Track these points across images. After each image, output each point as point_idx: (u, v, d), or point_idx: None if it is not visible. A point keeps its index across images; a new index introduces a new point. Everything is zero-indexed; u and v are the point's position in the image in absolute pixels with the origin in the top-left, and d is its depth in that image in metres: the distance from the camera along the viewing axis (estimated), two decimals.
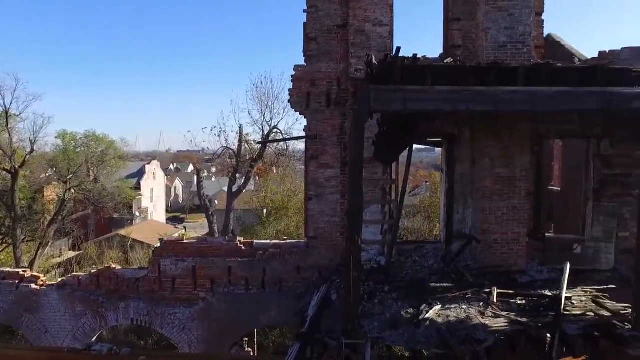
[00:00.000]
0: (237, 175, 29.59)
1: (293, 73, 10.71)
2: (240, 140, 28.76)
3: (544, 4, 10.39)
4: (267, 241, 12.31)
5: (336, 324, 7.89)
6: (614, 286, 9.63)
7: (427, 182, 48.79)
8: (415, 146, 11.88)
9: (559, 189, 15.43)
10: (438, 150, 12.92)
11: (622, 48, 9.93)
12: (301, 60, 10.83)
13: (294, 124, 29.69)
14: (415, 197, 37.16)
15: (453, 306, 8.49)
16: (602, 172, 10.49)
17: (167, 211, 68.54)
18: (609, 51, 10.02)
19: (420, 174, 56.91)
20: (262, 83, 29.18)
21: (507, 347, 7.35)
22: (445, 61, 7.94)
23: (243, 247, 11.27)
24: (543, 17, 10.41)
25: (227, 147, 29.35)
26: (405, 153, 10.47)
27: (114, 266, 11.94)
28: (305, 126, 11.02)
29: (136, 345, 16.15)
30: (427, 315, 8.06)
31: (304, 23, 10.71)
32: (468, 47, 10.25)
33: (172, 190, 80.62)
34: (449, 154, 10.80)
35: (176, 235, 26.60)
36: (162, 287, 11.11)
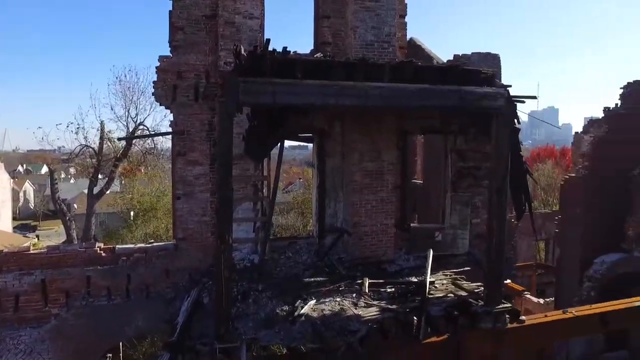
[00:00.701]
0: (99, 176, 27.12)
1: (158, 64, 9.98)
2: (101, 138, 26.34)
3: (406, 8, 11.01)
4: (132, 245, 11.34)
5: (209, 328, 7.50)
6: (468, 268, 10.56)
7: (300, 178, 49.74)
8: (288, 143, 11.87)
9: (421, 182, 16.58)
10: (311, 147, 13.06)
11: (472, 53, 10.94)
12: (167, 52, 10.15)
13: (162, 120, 27.86)
14: (288, 194, 37.63)
15: (327, 300, 8.57)
16: (458, 165, 11.42)
17: (14, 219, 60.52)
18: (462, 55, 10.95)
19: (293, 171, 57.84)
20: (126, 76, 26.96)
21: (380, 334, 7.60)
22: (315, 56, 7.96)
23: (103, 254, 10.22)
24: (406, 20, 11.03)
25: (86, 146, 26.67)
26: (276, 149, 10.38)
27: None
28: (171, 121, 10.34)
29: None
30: (302, 311, 8.02)
31: (170, 11, 10.03)
32: (338, 45, 10.44)
33: (21, 194, 71.68)
34: (320, 149, 10.92)
35: (26, 245, 23.54)
36: (1, 307, 9.56)
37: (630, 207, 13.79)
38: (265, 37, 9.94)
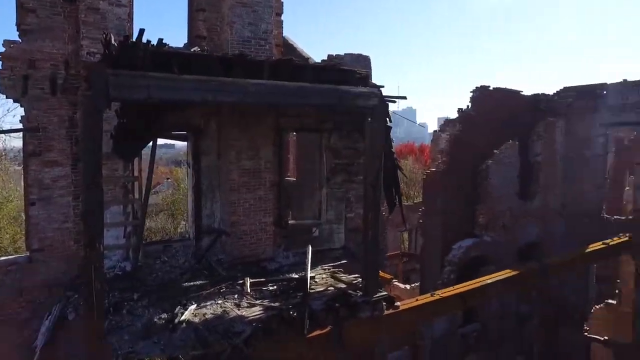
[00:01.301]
0: None
1: (3, 50, 8.68)
2: None
3: (282, 6, 11.04)
4: None
5: (77, 347, 6.79)
6: (345, 261, 11.00)
7: (168, 178, 47.63)
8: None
9: (294, 179, 16.84)
10: (178, 145, 12.49)
11: (345, 53, 11.38)
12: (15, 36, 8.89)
13: (5, 115, 24.33)
14: (157, 195, 35.68)
15: (209, 303, 8.30)
16: (333, 162, 11.81)
17: None
18: (336, 55, 11.33)
19: (161, 171, 54.98)
20: None
21: (265, 333, 7.55)
22: (192, 50, 7.61)
23: None
24: (282, 18, 11.07)
25: None
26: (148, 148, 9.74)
27: None
28: (22, 116, 9.07)
29: None
30: (183, 317, 7.67)
31: None
32: (213, 39, 10.10)
33: None
34: (195, 147, 10.49)
35: None
36: None
37: (479, 197, 15.58)
38: (134, 27, 9.35)
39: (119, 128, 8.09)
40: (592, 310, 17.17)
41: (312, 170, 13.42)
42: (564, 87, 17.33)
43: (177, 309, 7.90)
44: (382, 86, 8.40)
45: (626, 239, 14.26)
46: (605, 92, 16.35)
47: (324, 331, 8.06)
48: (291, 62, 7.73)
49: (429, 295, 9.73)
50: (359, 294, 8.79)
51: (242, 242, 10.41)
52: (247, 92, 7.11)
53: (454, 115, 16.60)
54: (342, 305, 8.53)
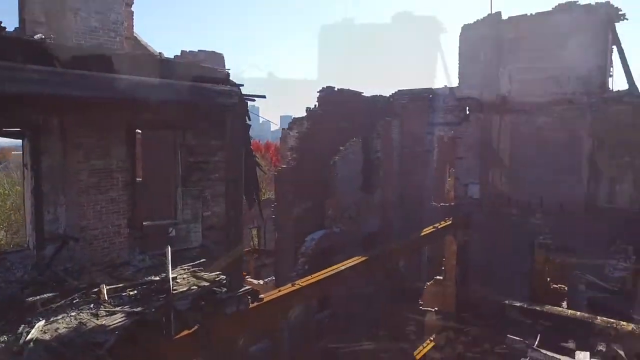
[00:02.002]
0: None
1: None
2: None
3: None
4: None
5: None
6: (204, 259, 10.92)
7: None
8: None
9: (140, 179, 16.06)
10: None
11: (199, 50, 11.24)
12: None
13: None
14: None
15: (60, 317, 7.59)
16: (188, 160, 11.57)
17: None
18: (189, 51, 11.12)
19: None
20: None
21: (130, 340, 7.22)
22: (36, 37, 6.88)
23: None
24: (133, 9, 10.47)
25: None
26: None
27: None
28: None
29: None
30: (30, 336, 6.91)
31: None
32: (52, 27, 9.15)
33: None
34: (34, 146, 9.41)
35: None
36: None
37: (328, 192, 16.65)
38: None
39: None
40: (425, 287, 19.61)
41: (160, 170, 13.00)
42: (398, 90, 19.42)
43: (21, 329, 7.10)
44: (242, 85, 8.59)
45: (450, 222, 16.61)
46: (431, 95, 18.74)
47: (191, 331, 7.98)
48: (152, 57, 7.50)
49: (290, 285, 10.19)
50: (223, 290, 8.86)
51: (94, 247, 9.76)
52: (104, 87, 6.72)
53: (296, 114, 17.48)
54: (208, 302, 8.52)
